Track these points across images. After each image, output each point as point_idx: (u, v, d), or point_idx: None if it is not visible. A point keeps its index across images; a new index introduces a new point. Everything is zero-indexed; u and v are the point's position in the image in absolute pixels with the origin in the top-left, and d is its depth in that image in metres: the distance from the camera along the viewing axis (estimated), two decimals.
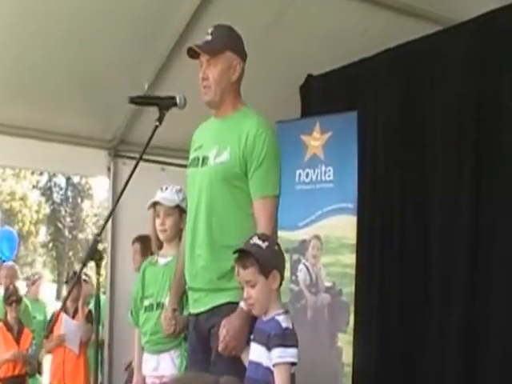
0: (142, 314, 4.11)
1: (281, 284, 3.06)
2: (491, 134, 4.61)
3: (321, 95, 5.90)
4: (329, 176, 5.22)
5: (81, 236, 37.44)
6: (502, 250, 4.44)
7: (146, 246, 5.52)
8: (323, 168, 5.26)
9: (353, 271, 4.97)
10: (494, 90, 4.62)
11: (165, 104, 3.22)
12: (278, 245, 3.08)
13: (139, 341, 4.16)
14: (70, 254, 36.92)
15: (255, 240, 2.98)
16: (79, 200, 38.10)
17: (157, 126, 3.17)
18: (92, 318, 6.51)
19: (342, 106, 5.53)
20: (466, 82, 4.80)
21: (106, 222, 3.13)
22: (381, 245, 5.22)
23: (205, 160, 3.27)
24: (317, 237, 5.19)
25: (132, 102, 3.38)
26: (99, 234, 2.98)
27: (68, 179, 35.87)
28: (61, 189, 37.71)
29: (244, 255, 2.96)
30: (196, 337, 3.36)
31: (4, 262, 8.29)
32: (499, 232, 4.47)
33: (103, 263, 3.00)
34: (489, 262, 4.51)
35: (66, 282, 6.67)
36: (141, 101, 3.46)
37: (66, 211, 37.47)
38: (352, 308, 4.93)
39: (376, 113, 5.45)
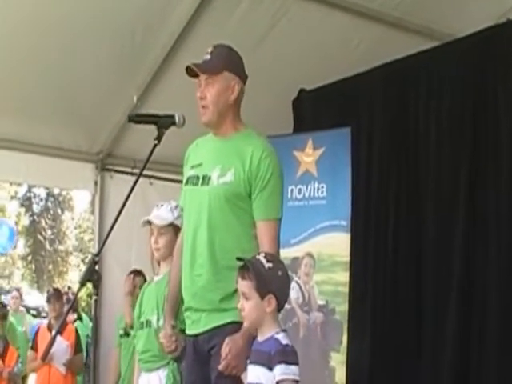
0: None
1: (280, 310, 2.99)
2: (486, 151, 4.64)
3: (313, 110, 5.89)
4: (322, 192, 5.20)
5: (61, 248, 36.97)
6: (496, 264, 4.46)
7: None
8: (316, 184, 5.24)
9: (346, 289, 4.95)
10: (489, 106, 4.65)
11: (163, 123, 3.18)
12: (285, 271, 3.01)
13: (138, 362, 4.11)
14: (50, 267, 36.44)
15: (260, 257, 2.94)
16: (59, 211, 37.66)
17: (155, 145, 3.12)
18: (80, 347, 6.42)
19: (334, 121, 5.53)
20: (460, 98, 4.82)
21: (105, 241, 3.04)
22: (374, 263, 5.20)
23: (205, 179, 3.22)
24: (309, 254, 5.16)
25: (130, 120, 3.35)
26: (97, 255, 2.93)
27: (48, 190, 35.45)
28: (41, 200, 37.23)
29: (245, 266, 2.92)
30: (194, 358, 3.27)
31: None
32: (493, 245, 4.50)
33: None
34: (484, 282, 4.52)
35: (48, 301, 6.51)
36: (139, 119, 3.39)
37: (46, 223, 37.00)
38: (345, 327, 4.90)
39: (370, 129, 5.44)
